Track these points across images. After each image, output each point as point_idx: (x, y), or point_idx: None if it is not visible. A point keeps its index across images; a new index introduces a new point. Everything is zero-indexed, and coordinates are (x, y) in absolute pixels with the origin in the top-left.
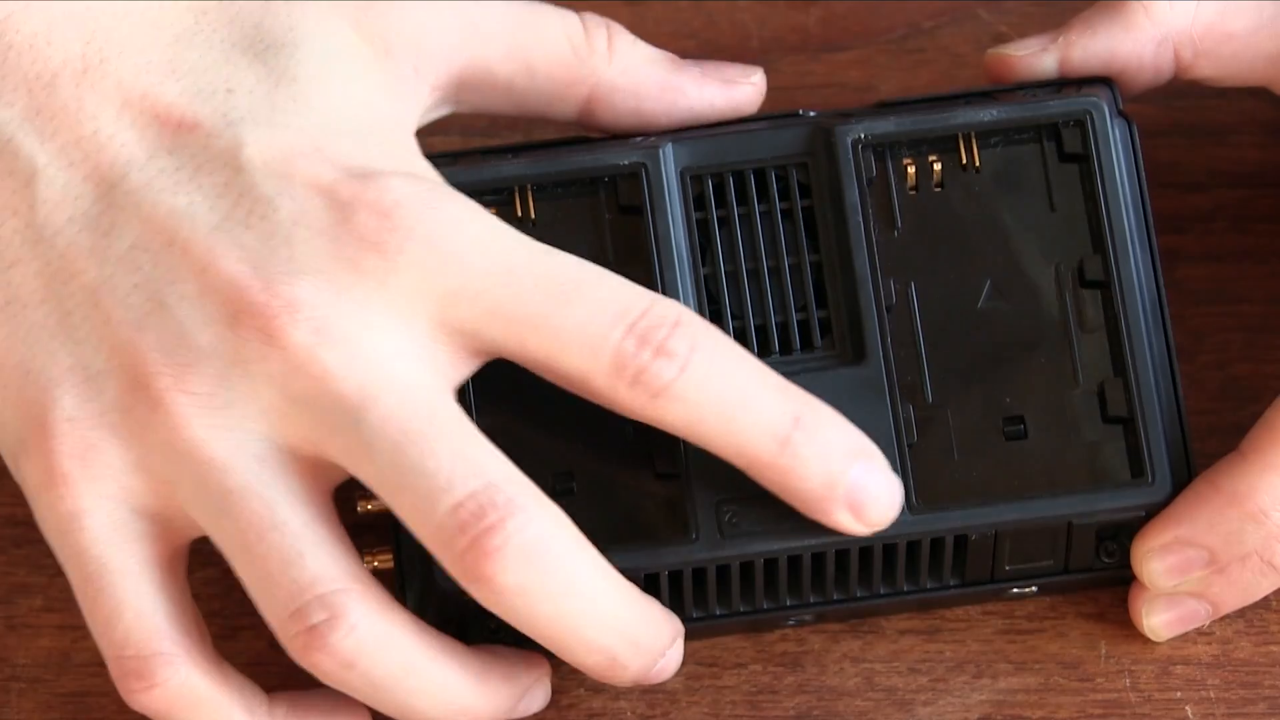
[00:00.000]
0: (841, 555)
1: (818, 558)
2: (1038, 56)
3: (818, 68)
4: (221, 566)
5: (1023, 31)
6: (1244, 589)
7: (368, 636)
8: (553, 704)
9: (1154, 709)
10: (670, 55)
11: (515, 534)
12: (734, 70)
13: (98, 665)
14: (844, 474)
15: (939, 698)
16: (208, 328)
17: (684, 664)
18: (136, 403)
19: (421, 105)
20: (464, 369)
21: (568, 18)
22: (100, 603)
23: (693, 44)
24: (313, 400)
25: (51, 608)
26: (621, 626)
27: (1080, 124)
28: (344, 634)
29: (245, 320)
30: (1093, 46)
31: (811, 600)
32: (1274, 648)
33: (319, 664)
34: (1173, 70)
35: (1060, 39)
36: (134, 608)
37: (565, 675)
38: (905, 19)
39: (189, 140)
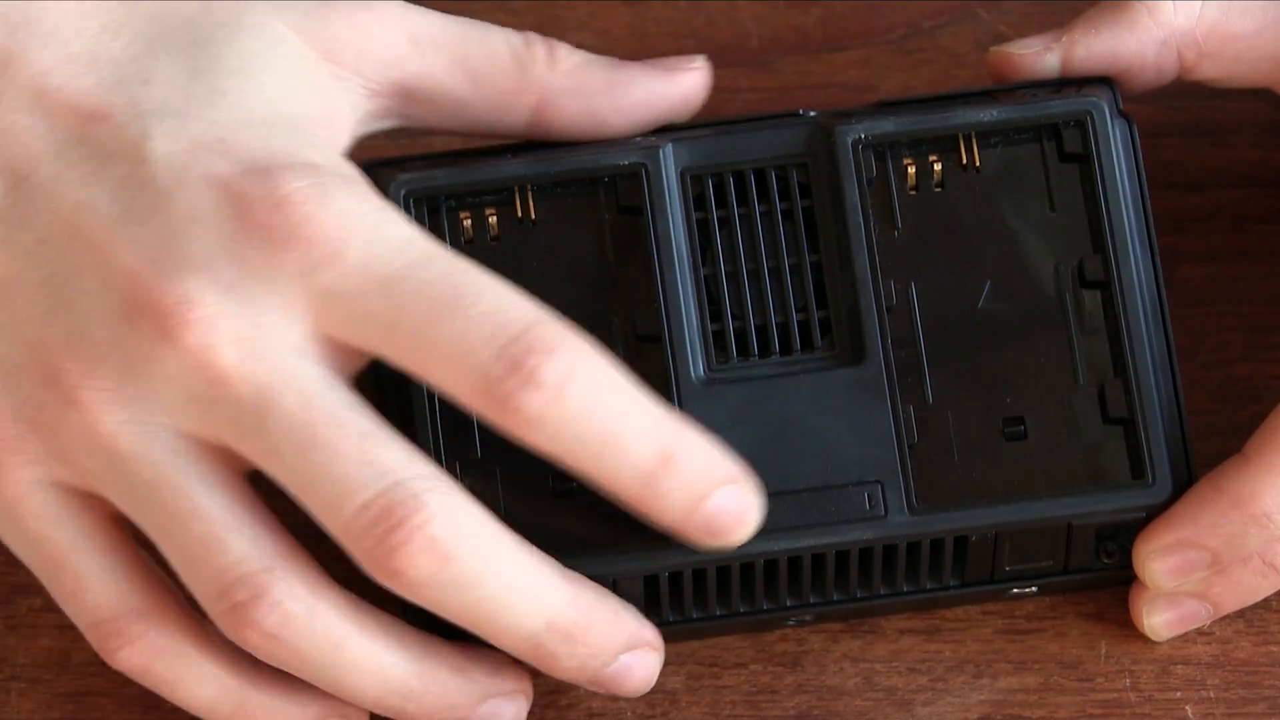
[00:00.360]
0: (841, 556)
1: (818, 558)
2: (1040, 56)
3: (818, 68)
4: None
5: (1023, 31)
6: (1245, 590)
7: (293, 611)
8: (552, 704)
9: (1154, 709)
10: (611, 58)
11: (420, 529)
12: (676, 60)
13: (98, 665)
14: (703, 502)
15: (939, 698)
16: (109, 323)
17: (684, 664)
18: (50, 398)
19: (359, 110)
20: (357, 362)
21: (509, 32)
22: (62, 579)
23: (693, 44)
24: (213, 401)
25: (51, 607)
26: (547, 615)
27: (1080, 124)
28: (267, 610)
29: (141, 316)
30: (1096, 46)
31: (811, 600)
32: (1274, 648)
33: (247, 639)
34: (1176, 71)
35: (1063, 38)
36: (95, 575)
37: None
38: (905, 19)
39: (98, 132)
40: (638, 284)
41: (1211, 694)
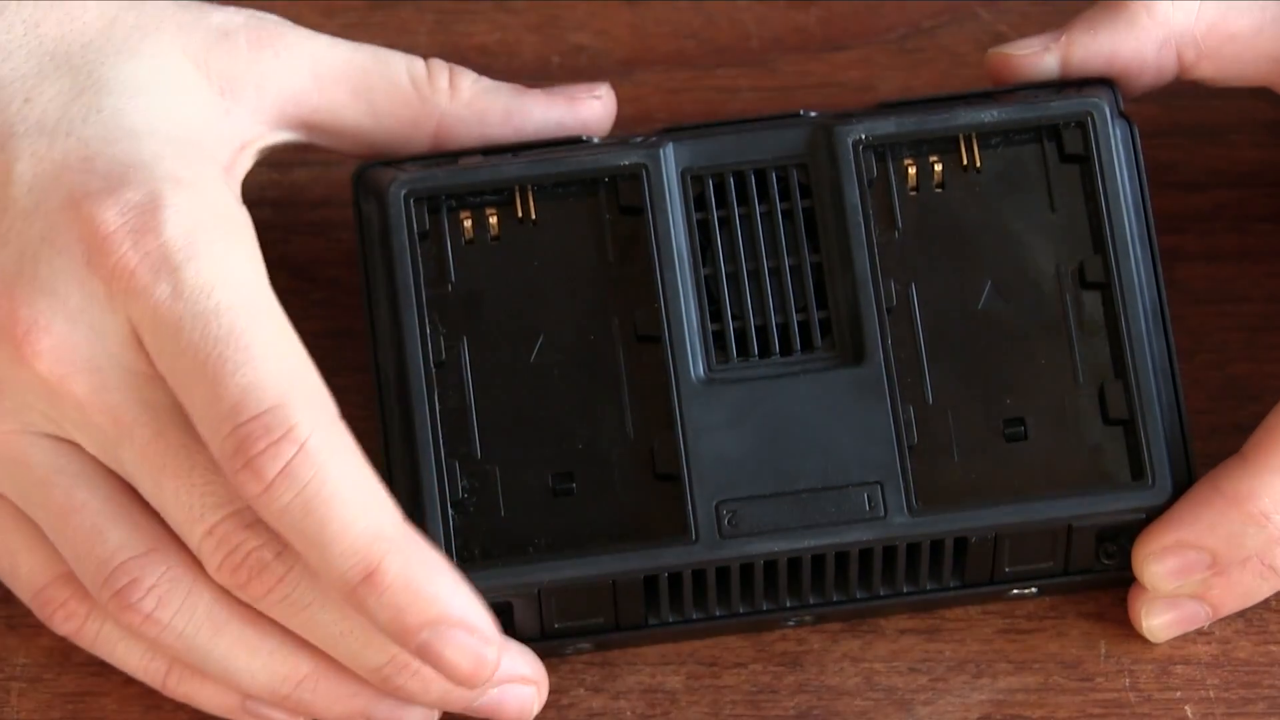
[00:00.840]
0: (841, 557)
1: (818, 559)
2: (1039, 56)
3: (818, 68)
4: None
5: (1023, 31)
6: (1244, 592)
7: (170, 595)
8: (552, 704)
9: (1154, 709)
10: (515, 85)
11: (256, 550)
12: (580, 89)
13: (98, 665)
14: (416, 634)
15: (939, 697)
16: None
17: (684, 664)
18: None
19: (252, 135)
20: None
21: (412, 61)
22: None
23: (693, 44)
24: (73, 422)
25: None
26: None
27: (1081, 125)
28: (145, 593)
29: (1, 338)
30: (1094, 46)
31: (811, 601)
32: (1274, 648)
33: (131, 624)
34: (1175, 71)
35: (1062, 38)
36: (23, 550)
37: (565, 675)
38: (905, 19)
39: None
40: (638, 284)
41: (1211, 694)
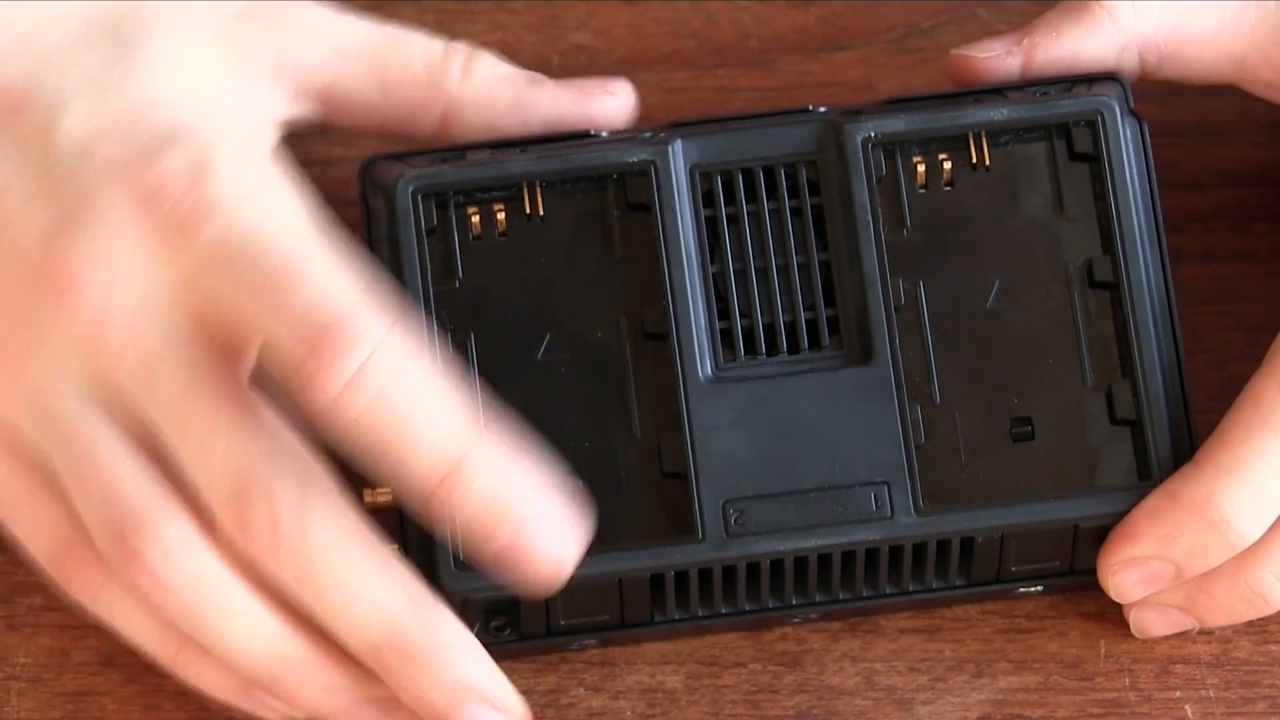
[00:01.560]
0: (847, 556)
1: (824, 558)
2: (1001, 59)
3: (818, 67)
4: None
5: None
6: (1231, 612)
7: (179, 561)
8: (552, 704)
9: (1154, 708)
10: (532, 74)
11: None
12: (594, 83)
13: (98, 665)
14: (498, 529)
15: (939, 697)
16: (16, 295)
17: (684, 664)
18: None
19: (275, 108)
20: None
21: (430, 43)
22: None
23: (693, 44)
24: (108, 376)
25: (51, 607)
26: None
27: (1091, 123)
28: (156, 555)
29: (39, 289)
30: (1056, 50)
31: (817, 600)
32: (1274, 648)
33: (136, 581)
34: (1138, 73)
35: (1024, 41)
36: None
37: (565, 675)
38: (905, 19)
39: (20, 117)
40: (646, 281)
41: (1211, 694)
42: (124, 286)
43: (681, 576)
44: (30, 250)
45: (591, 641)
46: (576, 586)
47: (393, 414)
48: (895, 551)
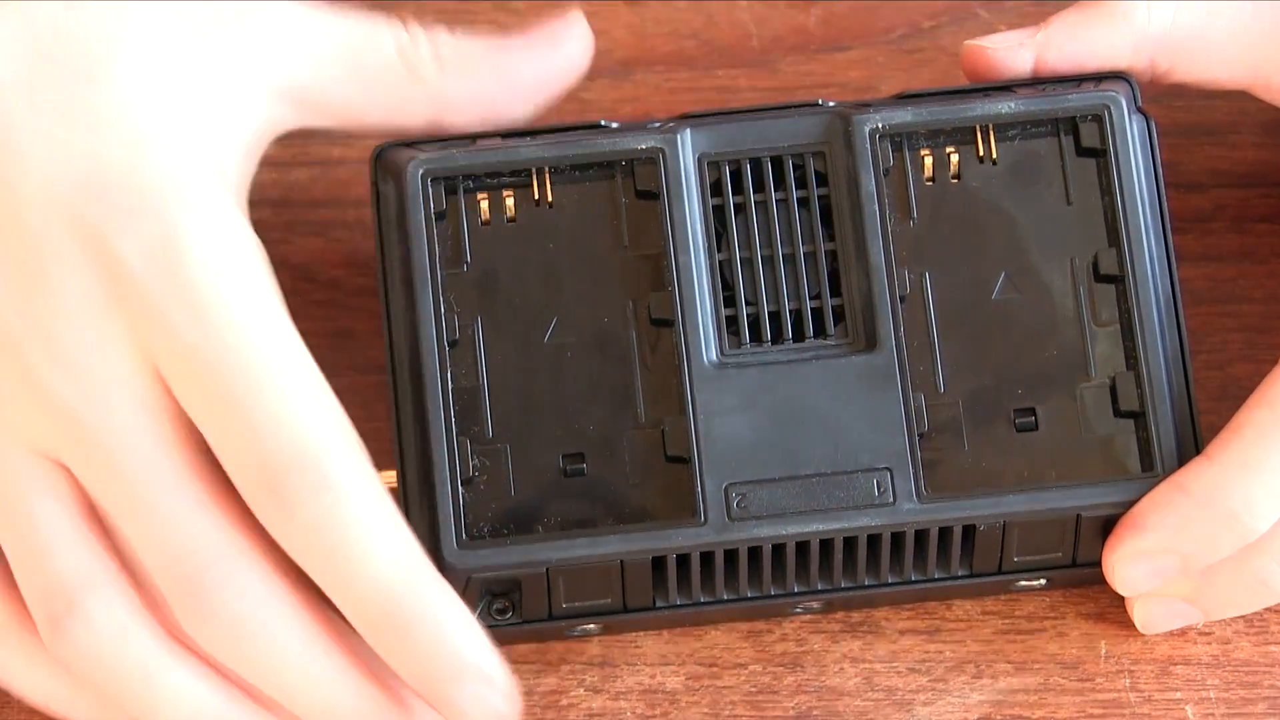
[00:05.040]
0: (850, 543)
1: (826, 544)
2: (1014, 52)
3: (818, 68)
4: None
5: None
6: (1236, 602)
7: (105, 630)
8: (552, 704)
9: (1154, 709)
10: (490, 40)
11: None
12: (555, 27)
13: None
14: (436, 683)
15: (939, 698)
16: None
17: (684, 664)
18: None
19: (253, 119)
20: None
21: (397, 30)
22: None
23: (693, 44)
24: (71, 447)
25: None
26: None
27: (1098, 118)
28: (79, 623)
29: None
30: (1069, 47)
31: (819, 587)
32: (1274, 648)
33: (60, 651)
34: (1150, 75)
35: (1039, 35)
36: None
37: (565, 675)
38: (905, 19)
39: None
40: (653, 268)
41: (1211, 694)
42: (97, 366)
43: (683, 560)
44: None
45: (592, 626)
46: (579, 568)
47: (341, 557)
48: (897, 539)
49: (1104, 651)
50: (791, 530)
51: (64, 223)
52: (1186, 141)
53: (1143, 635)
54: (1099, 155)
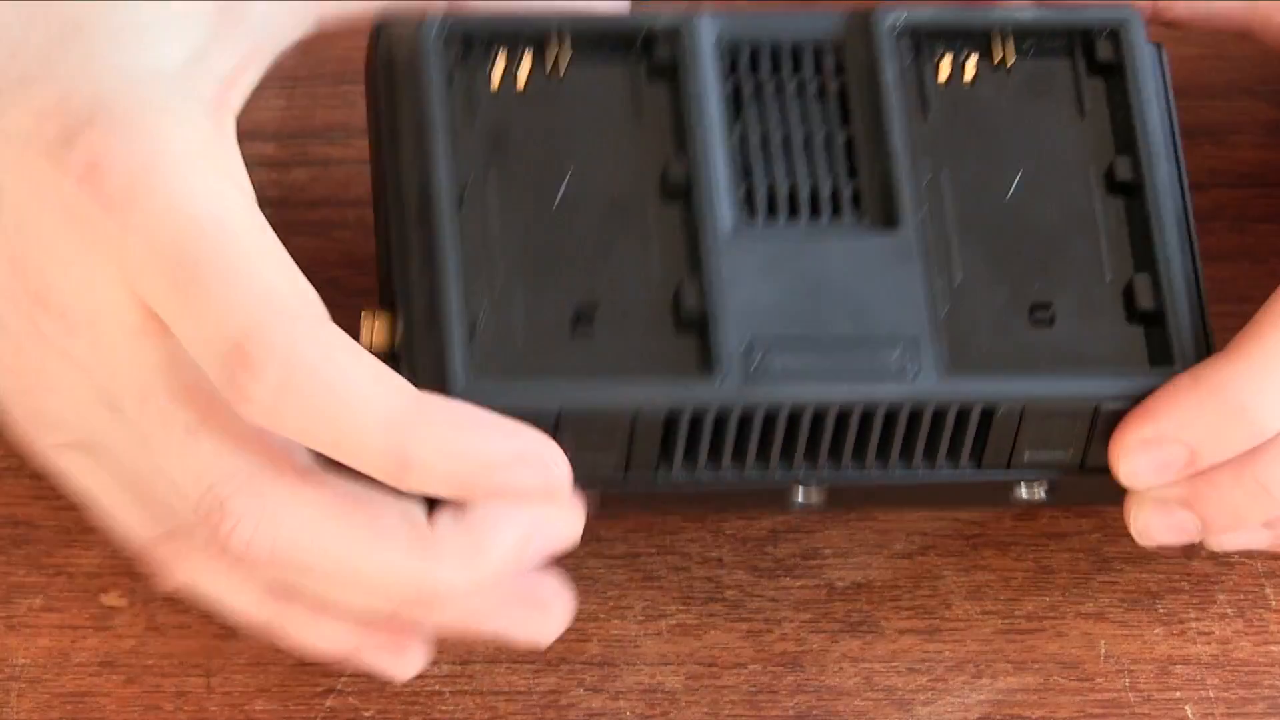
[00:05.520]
0: (866, 418)
1: (843, 416)
2: None
3: None
4: None
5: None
6: (1234, 508)
7: (262, 510)
8: (552, 704)
9: (1154, 709)
10: None
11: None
12: None
13: (98, 665)
14: (472, 490)
15: (939, 698)
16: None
17: (684, 664)
18: None
19: (254, 53)
20: None
21: None
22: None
23: None
24: (94, 385)
25: (51, 608)
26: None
27: (1115, 33)
28: (240, 514)
29: (13, 301)
30: None
31: (825, 472)
32: (1274, 648)
33: (230, 548)
34: (1151, 9)
35: None
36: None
37: (564, 675)
38: None
39: None
40: (668, 142)
41: (1211, 694)
42: (86, 293)
43: (695, 425)
44: None
45: (592, 494)
46: (587, 419)
47: (325, 423)
48: (913, 421)
49: (1104, 651)
50: (811, 394)
51: (36, 149)
52: (1186, 141)
53: (1143, 635)
54: (1114, 68)
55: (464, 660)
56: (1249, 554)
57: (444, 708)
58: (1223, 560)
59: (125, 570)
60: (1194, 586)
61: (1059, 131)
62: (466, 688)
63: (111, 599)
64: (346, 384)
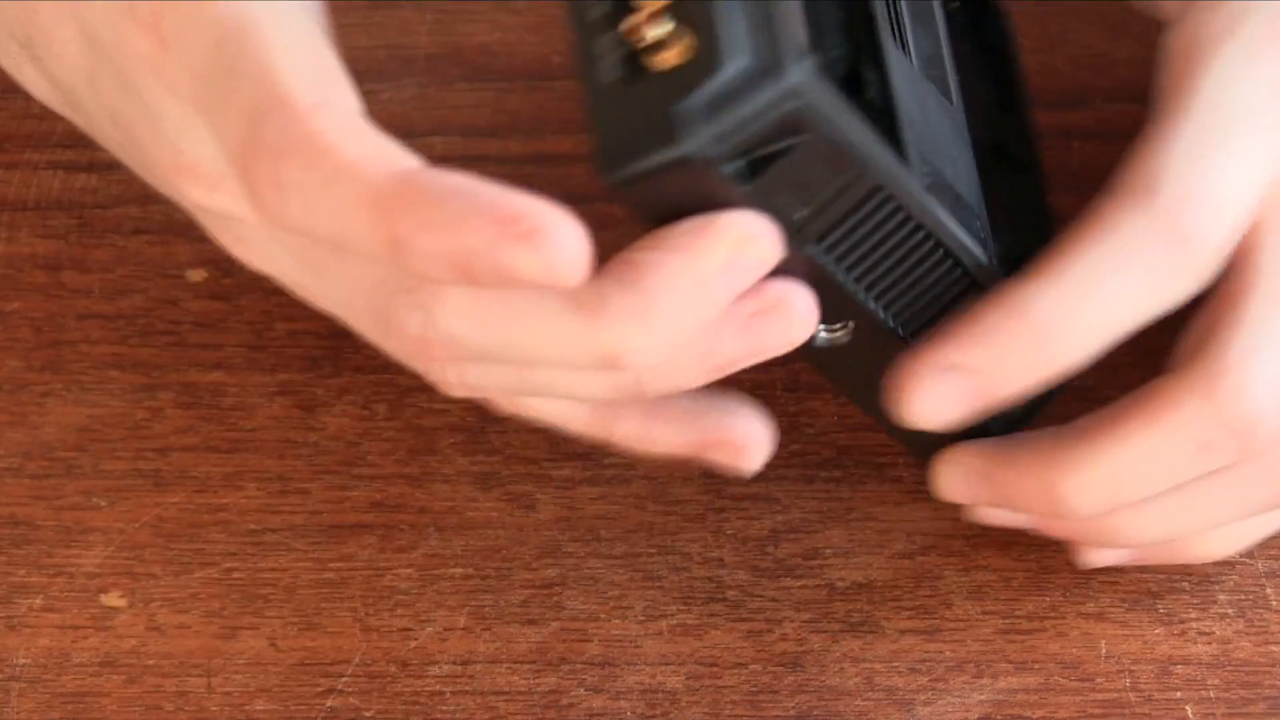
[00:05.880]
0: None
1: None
2: None
3: None
4: (221, 566)
5: (1021, 31)
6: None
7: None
8: (552, 704)
9: (1154, 709)
10: None
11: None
12: None
13: (98, 665)
14: (475, 268)
15: (939, 698)
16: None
17: (684, 664)
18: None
19: None
20: None
21: None
22: None
23: None
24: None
25: (51, 608)
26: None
27: None
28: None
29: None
30: None
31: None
32: (1274, 648)
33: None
34: None
35: None
36: None
37: (565, 675)
38: None
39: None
40: None
41: (1211, 694)
42: (189, 141)
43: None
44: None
45: None
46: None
47: (309, 209)
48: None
49: (1104, 651)
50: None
51: (123, 22)
52: None
53: (1143, 635)
54: None
55: (464, 660)
56: (1249, 554)
57: (444, 708)
58: (1223, 560)
59: (125, 570)
60: (1195, 586)
61: None
62: (467, 688)
63: (111, 599)
64: (336, 165)
